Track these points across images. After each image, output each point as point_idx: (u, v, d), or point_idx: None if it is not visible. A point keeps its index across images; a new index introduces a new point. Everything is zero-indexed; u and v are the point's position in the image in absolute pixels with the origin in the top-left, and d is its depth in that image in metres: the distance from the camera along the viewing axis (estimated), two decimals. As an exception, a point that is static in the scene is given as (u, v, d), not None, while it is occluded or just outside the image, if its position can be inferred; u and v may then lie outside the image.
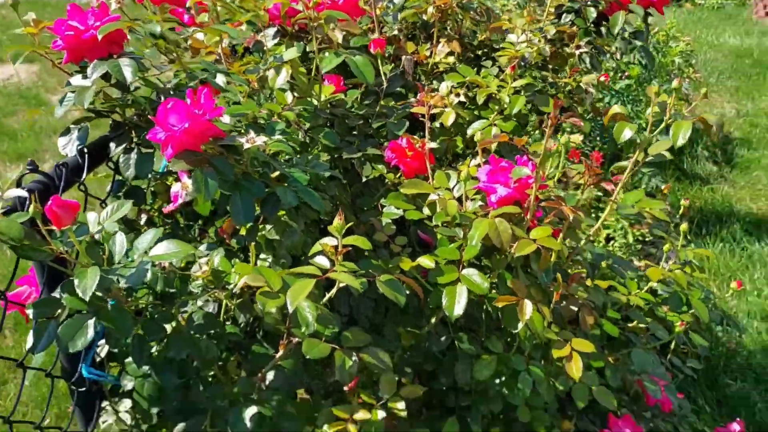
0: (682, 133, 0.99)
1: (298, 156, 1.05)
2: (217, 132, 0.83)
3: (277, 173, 0.92)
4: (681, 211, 1.42)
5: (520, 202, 0.99)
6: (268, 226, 1.01)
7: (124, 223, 1.19)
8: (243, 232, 1.01)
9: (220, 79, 1.00)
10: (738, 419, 1.51)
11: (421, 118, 1.11)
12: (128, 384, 1.04)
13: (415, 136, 1.13)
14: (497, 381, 1.14)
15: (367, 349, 0.92)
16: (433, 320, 1.15)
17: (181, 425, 1.06)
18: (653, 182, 2.92)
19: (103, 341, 1.06)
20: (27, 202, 0.84)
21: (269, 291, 0.84)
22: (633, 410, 1.53)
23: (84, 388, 1.08)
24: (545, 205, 0.93)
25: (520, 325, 0.96)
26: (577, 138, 1.77)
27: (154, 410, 1.09)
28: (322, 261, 0.85)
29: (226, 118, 1.07)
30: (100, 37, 0.90)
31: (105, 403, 1.10)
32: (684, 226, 1.29)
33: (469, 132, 1.28)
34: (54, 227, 0.79)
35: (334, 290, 0.86)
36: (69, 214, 0.77)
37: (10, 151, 4.02)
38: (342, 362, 0.88)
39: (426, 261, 0.99)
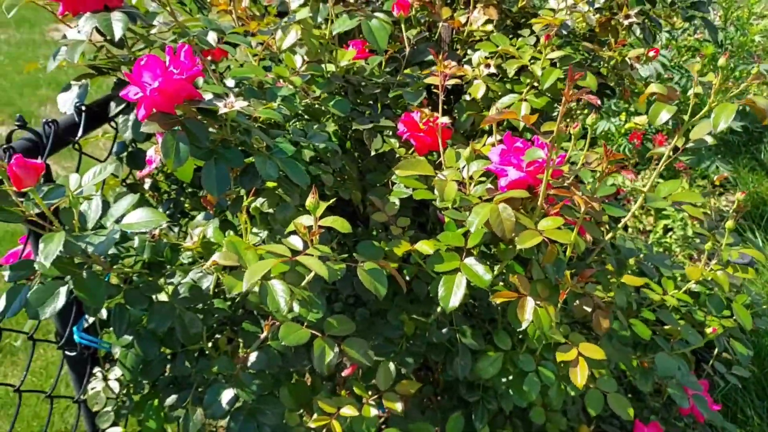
0: (725, 116, 0.87)
1: (296, 124, 0.98)
2: (193, 93, 0.76)
3: (264, 144, 0.85)
4: (735, 206, 1.27)
5: (534, 188, 0.89)
6: (261, 199, 0.95)
7: (128, 187, 1.15)
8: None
9: (211, 37, 0.93)
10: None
11: (434, 89, 1.02)
12: (117, 352, 1.02)
13: (425, 109, 1.04)
14: (503, 380, 1.05)
15: (351, 339, 0.85)
16: (439, 308, 1.07)
17: (172, 397, 1.03)
18: (720, 170, 2.71)
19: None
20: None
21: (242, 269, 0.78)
22: (665, 418, 1.42)
23: (75, 353, 1.06)
24: (554, 192, 0.83)
25: (524, 324, 0.87)
26: (642, 120, 1.63)
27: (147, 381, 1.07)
28: (296, 241, 0.78)
29: (230, 82, 1.02)
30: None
31: (97, 370, 1.08)
32: (730, 224, 1.15)
33: (498, 106, 1.18)
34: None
35: (310, 275, 0.79)
36: (30, 176, 0.72)
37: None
38: (321, 351, 0.82)
39: (425, 246, 0.91)
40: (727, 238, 1.18)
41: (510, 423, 1.22)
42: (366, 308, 1.18)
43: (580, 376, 0.86)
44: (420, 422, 1.16)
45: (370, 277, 0.78)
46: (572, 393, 1.02)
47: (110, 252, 0.92)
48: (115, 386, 1.05)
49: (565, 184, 0.85)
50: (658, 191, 0.99)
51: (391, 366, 1.08)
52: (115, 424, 1.07)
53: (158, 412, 1.09)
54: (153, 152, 0.88)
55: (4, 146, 0.86)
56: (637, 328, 1.12)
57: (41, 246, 0.75)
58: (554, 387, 1.02)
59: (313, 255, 0.74)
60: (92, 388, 1.05)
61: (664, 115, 0.92)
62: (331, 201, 0.80)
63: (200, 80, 0.89)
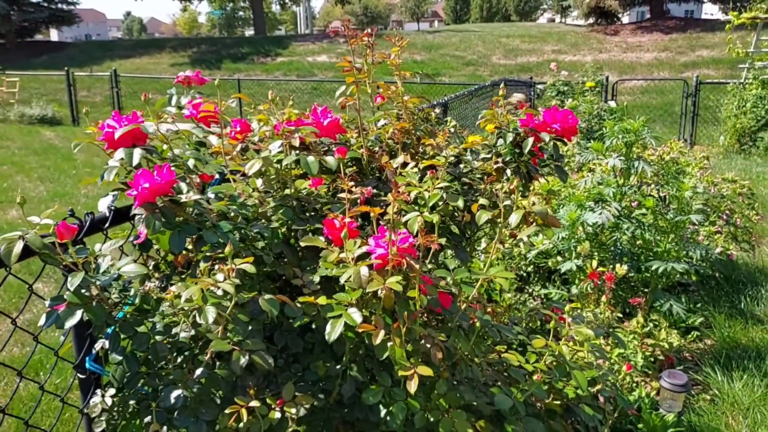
0: (515, 217, 1.32)
1: (252, 218, 1.48)
2: (168, 191, 1.27)
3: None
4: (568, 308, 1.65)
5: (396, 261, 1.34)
6: (218, 266, 1.42)
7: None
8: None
9: (191, 162, 1.46)
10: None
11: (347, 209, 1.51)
12: (111, 373, 1.45)
13: (339, 215, 1.52)
14: (384, 410, 1.42)
15: (258, 352, 1.27)
16: (344, 359, 1.48)
17: (148, 417, 1.44)
18: (691, 317, 3.04)
19: (99, 345, 1.48)
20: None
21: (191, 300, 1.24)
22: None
23: (84, 376, 1.50)
24: (395, 262, 1.28)
25: (386, 354, 1.28)
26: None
27: (132, 402, 1.49)
28: (220, 276, 1.24)
29: (211, 195, 1.53)
30: (116, 135, 1.40)
31: (98, 390, 1.51)
32: (568, 308, 1.54)
33: (403, 220, 1.65)
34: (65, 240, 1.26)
35: (231, 304, 1.24)
36: (68, 233, 1.23)
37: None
38: (237, 358, 1.24)
39: (320, 301, 1.35)
40: (568, 323, 1.57)
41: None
42: (299, 363, 1.59)
43: (413, 385, 1.25)
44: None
45: (267, 303, 1.23)
46: (431, 419, 1.38)
47: (114, 297, 1.40)
48: (108, 401, 1.46)
49: (406, 257, 1.29)
50: (488, 270, 1.41)
51: (307, 401, 1.47)
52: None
53: (139, 428, 1.50)
54: (143, 228, 1.37)
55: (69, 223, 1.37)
56: (515, 394, 1.49)
57: (69, 278, 1.24)
58: (419, 414, 1.38)
59: (229, 283, 1.20)
60: (93, 402, 1.47)
61: (484, 216, 1.37)
62: (250, 258, 1.26)
63: (184, 188, 1.41)
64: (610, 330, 1.89)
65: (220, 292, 1.29)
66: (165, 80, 19.15)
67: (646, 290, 3.41)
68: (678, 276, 3.13)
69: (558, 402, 1.65)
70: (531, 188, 1.86)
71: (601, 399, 1.84)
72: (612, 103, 7.98)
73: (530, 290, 3.96)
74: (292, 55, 23.14)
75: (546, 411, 1.65)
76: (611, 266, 3.10)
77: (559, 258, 3.42)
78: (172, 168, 1.30)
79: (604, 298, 2.75)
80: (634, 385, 2.79)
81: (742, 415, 2.75)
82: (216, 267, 1.42)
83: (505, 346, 1.60)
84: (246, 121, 1.98)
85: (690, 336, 3.48)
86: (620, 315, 3.03)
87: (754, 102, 10.00)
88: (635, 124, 2.88)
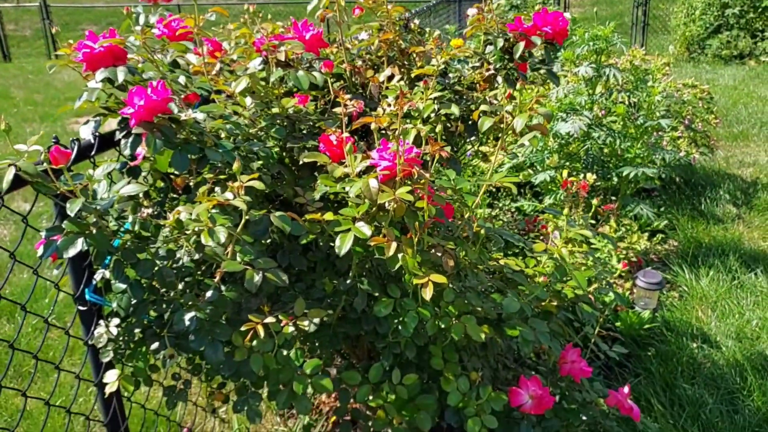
0: (522, 120, 1.31)
1: (243, 140, 1.43)
2: (165, 109, 1.21)
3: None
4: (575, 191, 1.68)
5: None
6: (218, 189, 1.38)
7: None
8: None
9: (182, 79, 1.40)
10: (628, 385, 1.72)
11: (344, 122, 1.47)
12: (114, 304, 1.42)
13: (336, 129, 1.48)
14: (396, 321, 1.44)
15: (272, 270, 1.25)
16: (350, 273, 1.48)
17: (155, 344, 1.42)
18: (657, 220, 3.13)
19: (99, 275, 1.44)
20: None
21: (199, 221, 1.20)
22: (549, 378, 1.78)
23: (85, 308, 1.46)
24: (403, 172, 1.26)
25: (389, 257, 1.28)
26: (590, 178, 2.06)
27: (137, 330, 1.46)
28: (228, 195, 1.20)
29: (200, 115, 1.47)
30: (97, 49, 1.31)
31: (101, 321, 1.48)
32: (566, 211, 1.57)
33: (397, 132, 1.62)
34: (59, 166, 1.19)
35: (242, 222, 1.21)
36: (63, 158, 1.17)
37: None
38: (251, 277, 1.23)
39: (327, 216, 1.33)
40: (566, 227, 1.59)
41: (411, 370, 1.58)
42: (303, 282, 1.59)
43: (428, 291, 1.26)
44: (350, 372, 1.55)
45: (279, 220, 1.20)
46: (442, 326, 1.40)
47: (112, 225, 1.35)
48: (114, 331, 1.44)
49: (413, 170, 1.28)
50: (492, 177, 1.41)
51: (318, 315, 1.48)
52: (111, 365, 1.46)
53: (145, 355, 1.49)
54: (140, 149, 1.31)
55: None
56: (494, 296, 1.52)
57: (68, 205, 1.18)
58: (429, 321, 1.40)
59: (241, 200, 1.17)
60: (97, 333, 1.44)
61: (487, 123, 1.36)
62: (256, 174, 1.23)
63: (174, 108, 1.35)
64: (598, 233, 1.93)
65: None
66: (99, 9, 18.11)
67: (614, 198, 3.50)
68: (644, 181, 3.20)
69: (555, 303, 1.70)
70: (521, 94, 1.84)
71: (592, 298, 1.90)
72: (567, 15, 7.91)
73: (500, 205, 4.01)
74: (232, -23, 22.07)
75: (542, 313, 1.70)
76: (581, 176, 3.15)
77: (530, 171, 3.45)
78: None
79: (595, 201, 2.80)
80: (607, 286, 2.90)
81: (711, 308, 2.90)
82: (216, 189, 1.38)
83: (501, 254, 1.63)
84: (217, 41, 1.89)
85: (655, 239, 3.61)
86: (593, 222, 3.11)
87: (703, 9, 10.08)
88: (605, 30, 2.87)
